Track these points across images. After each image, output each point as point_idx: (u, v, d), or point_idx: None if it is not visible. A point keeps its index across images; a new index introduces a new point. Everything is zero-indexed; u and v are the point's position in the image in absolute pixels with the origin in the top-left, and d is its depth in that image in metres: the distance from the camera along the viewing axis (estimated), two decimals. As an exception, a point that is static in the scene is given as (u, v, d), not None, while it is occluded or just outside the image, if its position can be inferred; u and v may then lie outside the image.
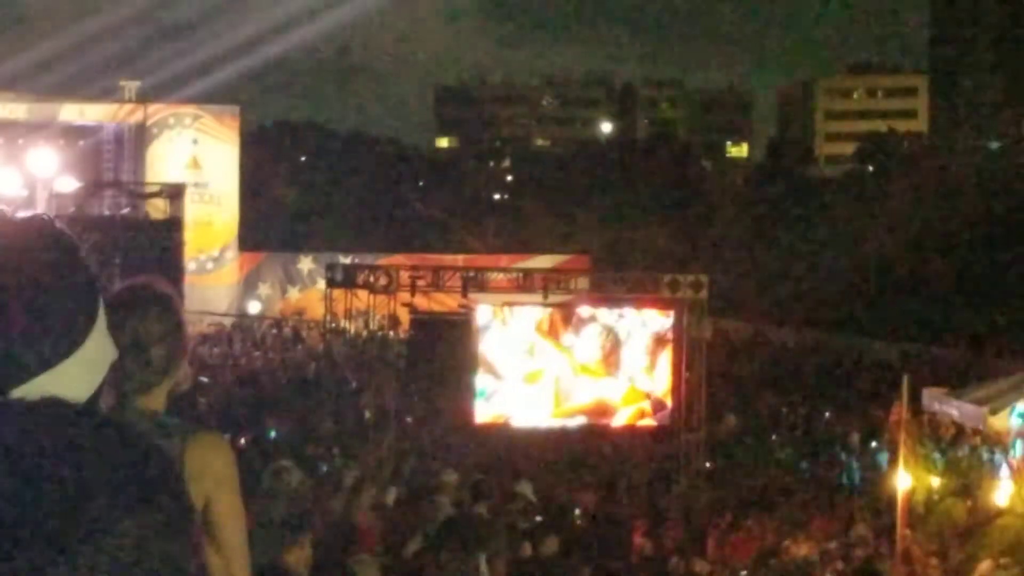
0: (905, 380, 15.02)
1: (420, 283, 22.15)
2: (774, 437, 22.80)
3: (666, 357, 20.63)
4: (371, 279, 22.26)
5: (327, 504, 10.84)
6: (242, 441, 16.02)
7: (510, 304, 20.90)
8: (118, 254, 22.98)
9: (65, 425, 1.07)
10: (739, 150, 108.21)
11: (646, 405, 20.52)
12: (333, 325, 23.72)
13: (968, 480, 17.01)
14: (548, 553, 10.55)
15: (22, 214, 1.57)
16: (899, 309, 41.06)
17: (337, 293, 23.03)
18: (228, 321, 36.58)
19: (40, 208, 24.87)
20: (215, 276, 38.57)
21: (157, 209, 28.52)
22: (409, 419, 21.25)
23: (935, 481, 17.11)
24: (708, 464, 20.40)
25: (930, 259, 45.37)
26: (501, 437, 19.74)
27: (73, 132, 36.42)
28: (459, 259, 36.25)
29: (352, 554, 8.28)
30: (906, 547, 14.26)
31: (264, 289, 39.79)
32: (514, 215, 59.34)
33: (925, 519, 15.90)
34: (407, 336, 24.79)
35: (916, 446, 16.63)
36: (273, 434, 18.46)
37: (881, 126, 79.51)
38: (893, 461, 15.68)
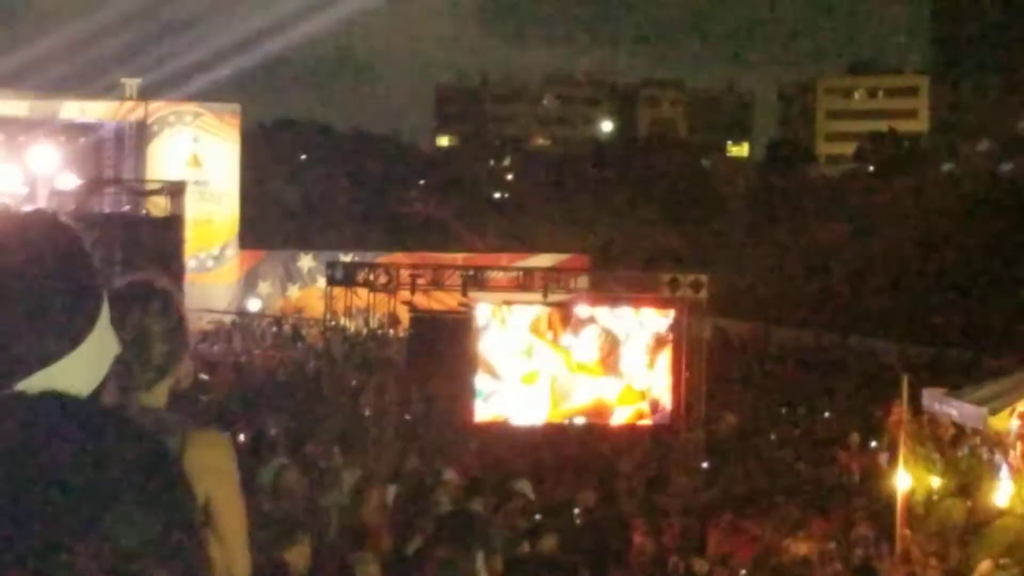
0: (905, 380, 15.03)
1: (420, 281, 22.17)
2: (773, 437, 22.81)
3: (666, 357, 20.63)
4: (371, 277, 22.28)
5: (328, 503, 10.83)
6: (241, 439, 16.01)
7: (509, 303, 20.91)
8: (118, 251, 22.96)
9: (67, 418, 1.07)
10: (739, 149, 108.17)
11: (644, 406, 20.52)
12: (333, 323, 23.74)
13: (968, 480, 16.99)
14: (547, 551, 10.55)
15: (25, 209, 1.57)
16: (899, 309, 41.06)
17: (337, 291, 23.05)
18: (228, 319, 36.59)
19: (41, 205, 24.87)
20: (215, 274, 38.58)
21: (157, 207, 28.53)
22: (408, 417, 21.25)
23: (935, 481, 17.10)
24: (707, 464, 20.40)
25: (930, 259, 45.37)
26: (501, 436, 19.74)
27: (74, 129, 36.42)
28: (459, 258, 36.25)
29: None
30: (906, 547, 14.26)
31: (264, 287, 39.80)
32: (514, 214, 59.37)
33: (925, 519, 15.90)
34: (407, 334, 24.80)
35: (916, 446, 16.62)
36: (273, 432, 18.44)
37: (882, 126, 79.55)
38: (893, 461, 15.69)
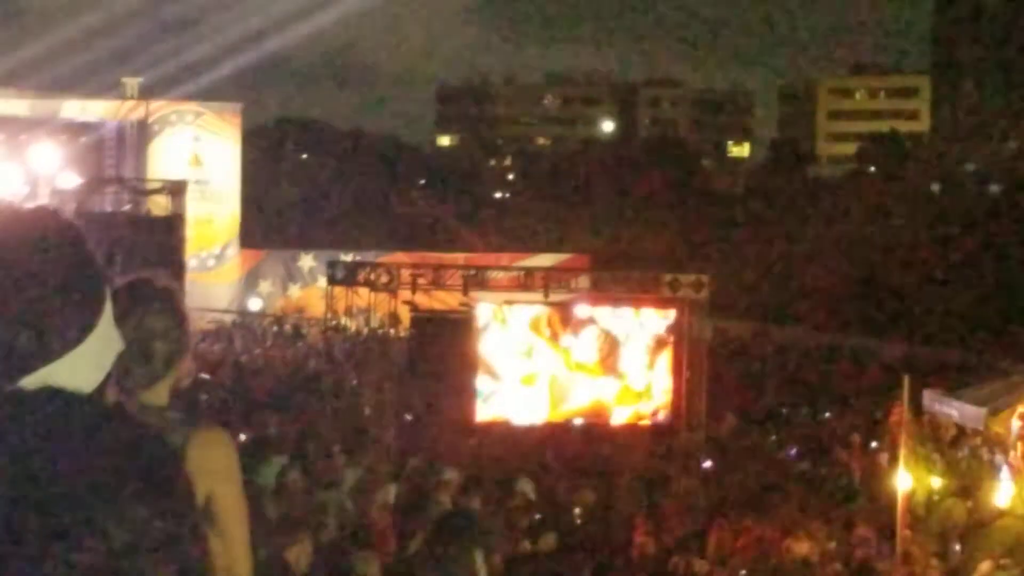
0: (906, 380, 15.00)
1: (421, 281, 22.17)
2: (774, 437, 22.80)
3: (666, 357, 20.63)
4: (372, 277, 22.26)
5: (329, 502, 10.83)
6: (241, 438, 16.01)
7: (510, 303, 20.91)
8: (119, 251, 22.96)
9: (70, 415, 1.07)
10: (740, 150, 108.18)
11: (643, 407, 20.50)
12: (334, 323, 23.74)
13: (968, 481, 16.99)
14: (547, 550, 10.56)
15: (28, 205, 1.57)
16: (901, 309, 41.06)
17: (338, 291, 23.05)
18: (229, 318, 36.59)
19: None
20: (216, 273, 38.58)
21: (158, 206, 28.55)
22: (409, 417, 21.24)
23: (935, 482, 17.10)
24: (708, 464, 20.39)
25: (931, 259, 45.37)
26: (501, 435, 19.74)
27: (75, 128, 36.43)
28: (460, 257, 36.24)
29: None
30: (906, 548, 14.25)
31: (265, 286, 39.80)
32: (515, 214, 59.38)
33: (925, 520, 15.89)
34: (408, 334, 24.79)
35: (916, 447, 16.61)
36: (273, 432, 18.43)
37: (883, 126, 79.52)
38: (893, 462, 15.67)
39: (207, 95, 42.08)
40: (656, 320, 20.80)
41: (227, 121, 39.48)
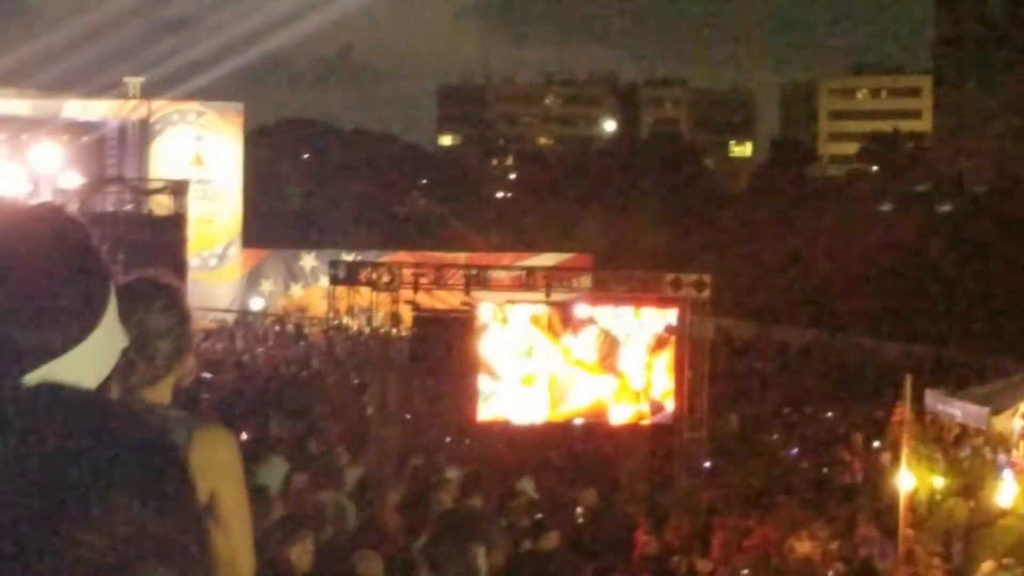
0: (908, 380, 15.00)
1: (423, 281, 22.18)
2: (776, 436, 22.80)
3: (668, 356, 20.61)
4: (374, 276, 22.27)
5: (331, 501, 10.83)
6: (243, 437, 16.01)
7: (512, 302, 20.91)
8: (121, 250, 23.00)
9: (72, 411, 1.07)
10: (742, 149, 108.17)
11: (644, 407, 20.48)
12: (336, 322, 23.78)
13: (971, 481, 16.98)
14: (548, 549, 10.55)
15: (32, 202, 1.57)
16: (902, 309, 41.05)
17: (340, 290, 23.08)
18: (231, 317, 36.61)
19: (43, 204, 24.88)
20: (218, 273, 38.59)
21: (160, 205, 28.58)
22: (411, 416, 21.24)
23: (938, 481, 17.08)
24: (710, 463, 20.40)
25: (932, 259, 45.36)
26: (503, 435, 19.74)
27: (77, 128, 36.44)
28: (462, 257, 36.25)
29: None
30: (908, 547, 14.25)
31: (267, 286, 39.83)
32: (517, 213, 59.43)
33: (928, 519, 15.89)
34: (409, 333, 24.81)
35: (919, 446, 16.59)
36: (275, 431, 18.44)
37: (885, 126, 79.54)
38: (895, 461, 15.66)
39: (209, 95, 42.14)
40: (657, 319, 20.79)
41: (229, 121, 39.49)
